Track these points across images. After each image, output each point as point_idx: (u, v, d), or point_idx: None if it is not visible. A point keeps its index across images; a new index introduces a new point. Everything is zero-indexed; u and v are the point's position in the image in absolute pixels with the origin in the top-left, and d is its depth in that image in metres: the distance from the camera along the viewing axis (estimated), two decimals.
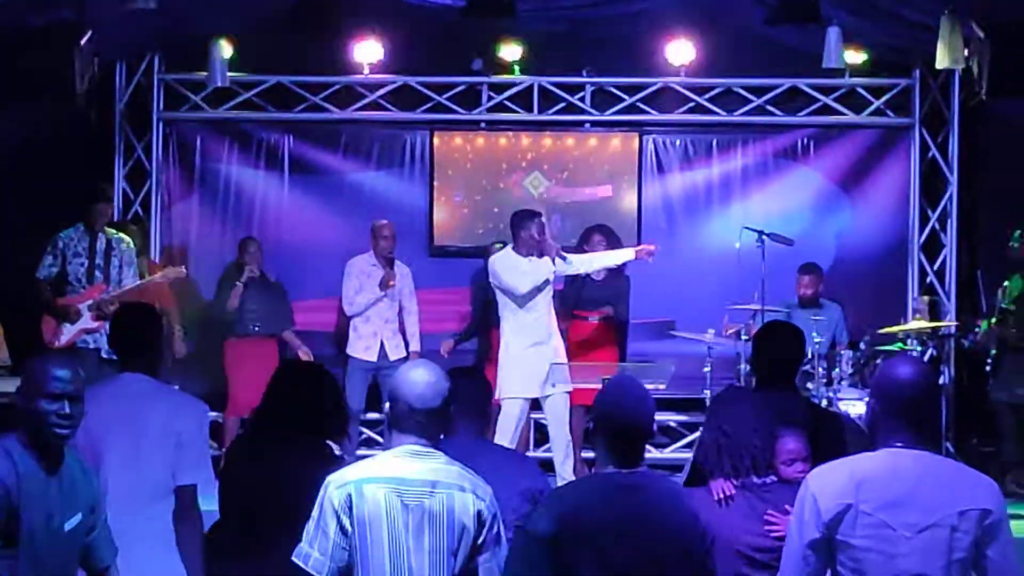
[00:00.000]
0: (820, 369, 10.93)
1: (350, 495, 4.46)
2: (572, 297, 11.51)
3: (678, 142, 12.99)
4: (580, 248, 11.84)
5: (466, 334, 12.10)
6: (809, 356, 10.92)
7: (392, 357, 11.45)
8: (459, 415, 5.74)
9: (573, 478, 9.37)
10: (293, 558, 4.50)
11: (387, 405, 4.70)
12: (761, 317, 11.18)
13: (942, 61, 10.56)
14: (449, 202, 13.02)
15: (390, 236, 11.66)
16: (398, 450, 4.57)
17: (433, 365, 4.76)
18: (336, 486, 4.50)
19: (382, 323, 11.64)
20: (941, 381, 12.24)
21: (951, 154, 12.59)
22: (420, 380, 4.62)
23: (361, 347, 11.59)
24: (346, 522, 4.46)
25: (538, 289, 10.29)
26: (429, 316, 12.08)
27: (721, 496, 5.38)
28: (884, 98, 12.72)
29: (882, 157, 12.81)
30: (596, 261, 10.80)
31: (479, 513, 4.51)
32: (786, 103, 12.87)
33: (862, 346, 11.32)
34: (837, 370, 11.08)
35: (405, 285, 11.77)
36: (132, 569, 5.45)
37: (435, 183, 12.98)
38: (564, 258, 10.37)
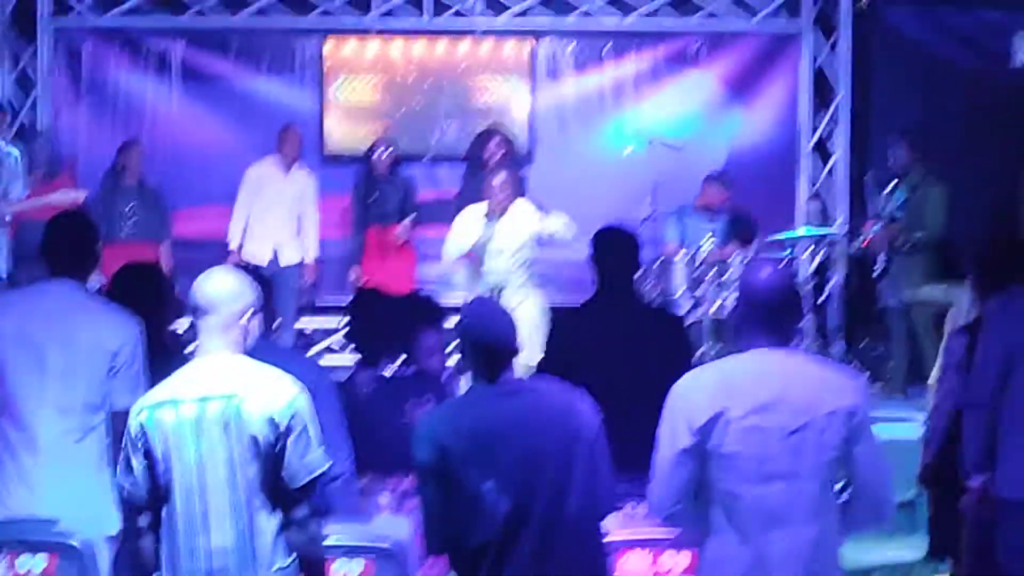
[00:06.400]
0: (712, 273, 10.99)
1: (143, 424, 4.44)
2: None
3: (571, 48, 12.95)
4: (477, 154, 11.84)
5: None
6: (698, 263, 10.99)
7: (284, 263, 11.44)
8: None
9: None
10: (113, 488, 4.50)
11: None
12: (653, 222, 11.25)
13: None
14: (340, 109, 12.93)
15: (294, 139, 11.68)
16: (196, 363, 4.53)
17: (234, 270, 4.75)
18: (134, 415, 4.48)
19: (279, 227, 11.60)
20: (832, 284, 12.38)
21: (841, 60, 12.59)
22: (223, 281, 4.58)
23: (253, 250, 11.51)
24: (143, 449, 4.43)
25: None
26: (321, 222, 11.96)
27: None
28: (774, 4, 12.65)
29: (773, 62, 12.82)
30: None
31: (271, 419, 4.41)
32: (679, 7, 12.78)
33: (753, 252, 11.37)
34: (727, 275, 11.12)
35: (307, 192, 11.75)
36: (63, 488, 5.40)
37: (327, 89, 12.89)
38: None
